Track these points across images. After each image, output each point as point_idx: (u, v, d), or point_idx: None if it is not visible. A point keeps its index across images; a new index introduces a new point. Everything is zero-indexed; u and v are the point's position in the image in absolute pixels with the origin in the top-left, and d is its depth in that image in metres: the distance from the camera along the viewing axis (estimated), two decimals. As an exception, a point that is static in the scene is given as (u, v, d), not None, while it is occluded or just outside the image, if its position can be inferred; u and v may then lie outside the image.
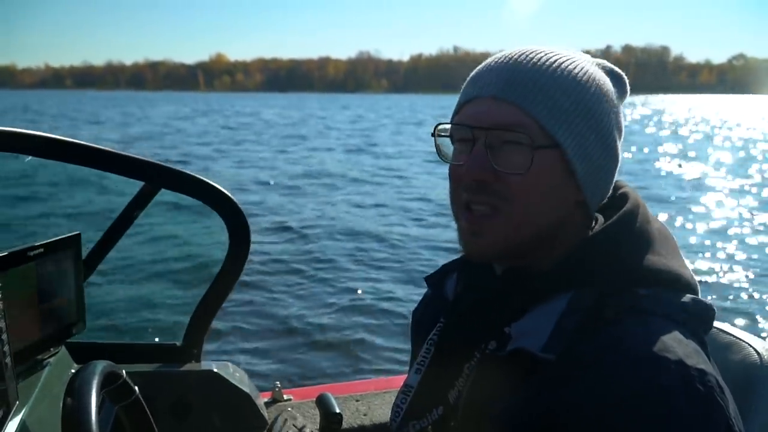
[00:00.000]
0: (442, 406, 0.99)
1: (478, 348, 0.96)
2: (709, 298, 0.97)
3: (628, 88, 1.02)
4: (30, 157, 1.71)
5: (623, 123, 0.99)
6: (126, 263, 7.17)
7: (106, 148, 1.81)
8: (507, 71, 0.93)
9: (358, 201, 14.34)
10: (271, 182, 16.68)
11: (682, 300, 0.91)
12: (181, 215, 8.80)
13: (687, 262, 0.99)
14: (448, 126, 0.99)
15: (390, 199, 14.71)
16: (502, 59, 0.96)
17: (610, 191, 1.00)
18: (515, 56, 0.95)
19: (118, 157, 1.82)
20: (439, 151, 1.01)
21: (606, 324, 0.86)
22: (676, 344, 0.83)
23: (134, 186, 1.88)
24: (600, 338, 0.85)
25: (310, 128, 43.04)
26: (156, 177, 1.87)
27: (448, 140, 1.01)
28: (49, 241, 1.49)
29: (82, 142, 1.77)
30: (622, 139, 0.99)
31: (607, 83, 0.97)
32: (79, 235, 1.61)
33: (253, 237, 1.93)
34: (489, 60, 0.98)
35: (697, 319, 0.92)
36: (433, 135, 1.00)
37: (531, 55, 0.94)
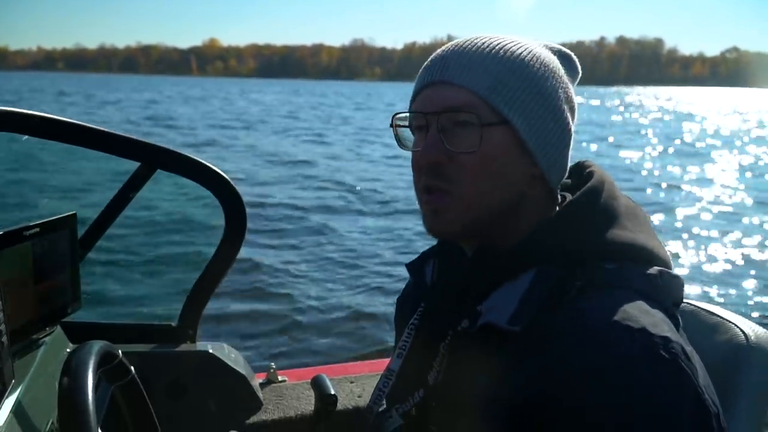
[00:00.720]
0: (422, 388, 1.01)
1: (451, 327, 0.97)
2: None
3: (579, 68, 1.05)
4: (26, 137, 1.70)
5: (575, 100, 1.01)
6: (122, 243, 7.16)
7: (102, 128, 1.81)
8: (454, 55, 0.96)
9: (358, 182, 14.33)
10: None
11: (648, 272, 0.92)
12: (178, 195, 8.79)
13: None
14: (405, 115, 1.02)
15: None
16: (450, 46, 0.99)
17: (570, 166, 1.02)
18: (461, 42, 0.99)
19: (114, 137, 1.81)
20: (398, 140, 1.03)
21: (571, 298, 0.88)
22: (640, 314, 0.84)
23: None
24: (564, 311, 0.87)
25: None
26: (152, 157, 1.86)
27: (408, 131, 1.03)
28: (45, 220, 1.49)
29: (78, 122, 1.76)
30: (575, 117, 1.01)
31: (554, 62, 0.99)
32: (75, 215, 1.61)
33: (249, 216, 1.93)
34: (438, 50, 1.01)
35: (665, 291, 0.93)
36: (391, 126, 1.03)
37: (476, 40, 0.97)
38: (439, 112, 0.94)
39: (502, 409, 0.85)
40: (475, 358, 0.92)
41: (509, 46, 0.96)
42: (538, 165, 0.96)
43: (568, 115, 0.99)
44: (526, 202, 0.97)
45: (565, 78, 1.00)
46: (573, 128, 1.00)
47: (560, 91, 0.98)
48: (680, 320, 0.94)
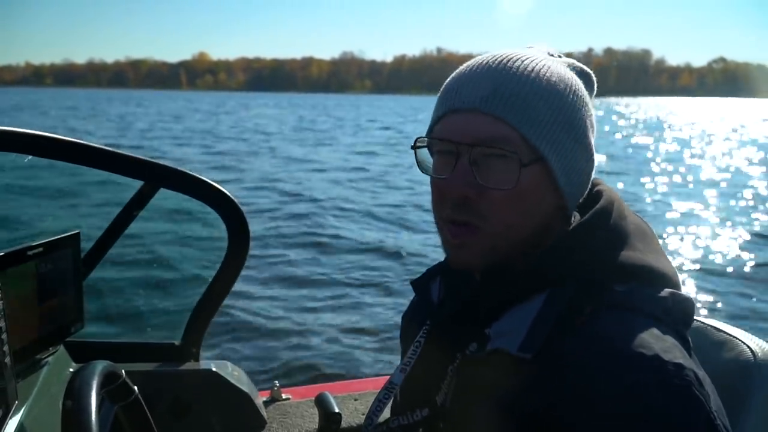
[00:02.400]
0: (427, 408, 1.00)
1: (459, 350, 0.96)
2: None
3: (595, 85, 1.03)
4: (30, 157, 1.70)
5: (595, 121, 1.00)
6: (125, 262, 7.16)
7: (106, 147, 1.81)
8: (489, 81, 0.91)
9: (359, 199, 14.34)
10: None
11: (659, 294, 0.91)
12: (181, 214, 8.80)
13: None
14: (426, 139, 0.98)
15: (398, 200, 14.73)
16: (481, 67, 0.94)
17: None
18: (495, 64, 0.94)
19: (117, 156, 1.82)
20: (420, 164, 1.00)
21: (582, 322, 0.87)
22: (653, 340, 0.83)
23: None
24: (576, 337, 0.86)
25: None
26: (155, 176, 1.87)
27: (426, 151, 1.00)
28: (48, 240, 1.49)
29: (81, 141, 1.77)
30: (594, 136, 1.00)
31: (581, 87, 0.97)
32: (78, 234, 1.61)
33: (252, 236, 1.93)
34: (466, 67, 0.97)
35: (676, 313, 0.92)
36: (413, 148, 1.00)
37: (509, 64, 0.93)
38: (473, 144, 0.90)
39: None
40: (484, 381, 0.91)
41: (543, 71, 0.93)
42: (563, 197, 0.95)
43: (592, 141, 0.97)
44: (546, 231, 0.95)
45: (590, 103, 0.98)
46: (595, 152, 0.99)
47: (588, 120, 0.96)
48: (690, 341, 0.93)
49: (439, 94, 0.99)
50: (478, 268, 0.98)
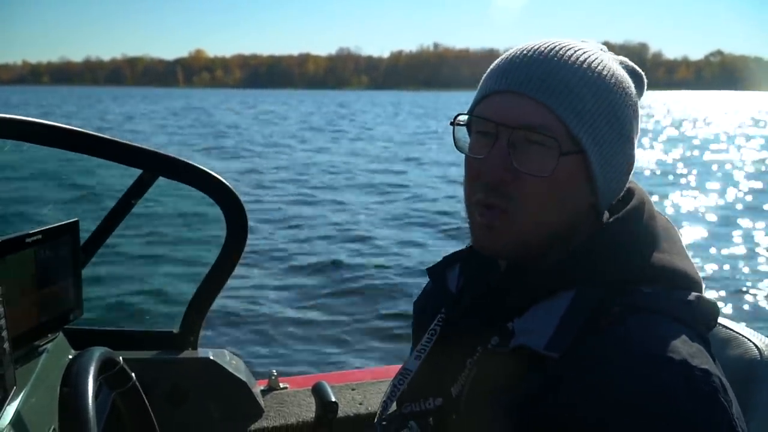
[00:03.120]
0: (441, 397, 0.99)
1: (481, 343, 0.95)
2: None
3: (645, 87, 1.01)
4: (29, 144, 1.70)
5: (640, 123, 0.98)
6: (124, 250, 7.17)
7: (104, 136, 1.81)
8: (538, 68, 0.90)
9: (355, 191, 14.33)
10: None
11: (687, 298, 0.91)
12: (180, 202, 8.79)
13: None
14: (467, 117, 0.96)
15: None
16: (531, 53, 0.92)
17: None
18: (546, 51, 0.91)
19: (116, 144, 1.82)
20: (456, 142, 0.98)
21: (609, 323, 0.86)
22: (681, 344, 0.83)
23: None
24: (603, 337, 0.85)
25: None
26: (154, 165, 1.87)
27: (464, 130, 0.99)
28: (47, 227, 1.49)
29: (80, 130, 1.77)
30: (638, 136, 0.98)
31: (630, 85, 0.95)
32: (77, 221, 1.61)
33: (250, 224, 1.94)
34: (514, 52, 0.95)
35: (701, 318, 0.92)
36: (452, 124, 0.97)
37: (561, 52, 0.91)
38: (515, 127, 0.88)
39: None
40: (503, 377, 0.89)
41: (594, 63, 0.91)
42: (598, 195, 0.93)
43: (635, 142, 0.96)
44: (576, 228, 0.94)
45: (637, 102, 0.96)
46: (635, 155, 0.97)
47: (634, 120, 0.94)
48: (710, 343, 0.92)
49: (485, 75, 0.97)
50: (502, 254, 0.97)
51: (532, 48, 0.93)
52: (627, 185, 0.99)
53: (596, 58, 0.92)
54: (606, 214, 0.97)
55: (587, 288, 0.89)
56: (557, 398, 0.83)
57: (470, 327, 0.98)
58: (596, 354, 0.84)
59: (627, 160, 0.95)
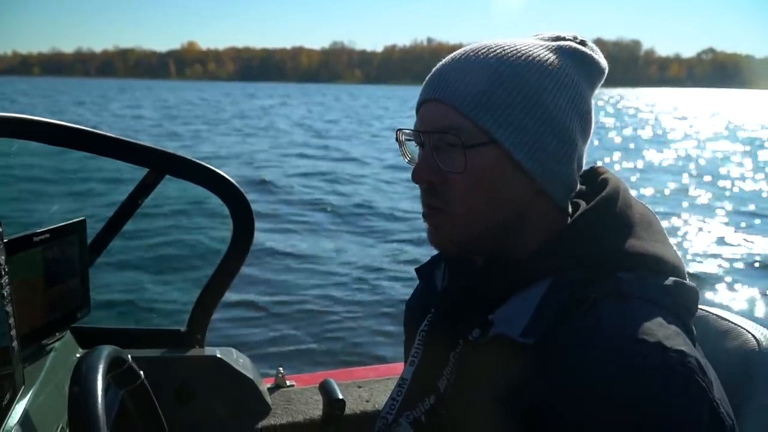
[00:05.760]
0: (433, 395, 1.01)
1: (462, 336, 0.97)
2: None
3: (603, 64, 1.01)
4: (36, 143, 1.71)
5: (588, 105, 0.98)
6: (131, 248, 7.19)
7: (111, 134, 1.81)
8: (447, 73, 0.95)
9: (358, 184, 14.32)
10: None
11: (664, 283, 0.91)
12: (186, 200, 8.81)
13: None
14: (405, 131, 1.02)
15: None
16: (446, 60, 0.98)
17: (583, 171, 1.01)
18: (458, 54, 0.97)
19: (123, 143, 1.82)
20: (404, 154, 1.04)
21: (585, 309, 0.87)
22: (656, 327, 0.83)
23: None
24: (579, 322, 0.86)
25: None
26: (160, 163, 1.87)
27: (412, 143, 1.03)
28: (54, 226, 1.50)
29: (86, 128, 1.77)
30: (591, 123, 0.98)
31: (559, 67, 0.95)
32: (84, 220, 1.62)
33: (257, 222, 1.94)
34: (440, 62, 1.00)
35: (680, 302, 0.92)
36: (397, 140, 1.03)
37: (472, 51, 0.95)
38: (430, 132, 0.95)
39: (514, 420, 0.85)
40: (485, 367, 0.91)
41: (506, 54, 0.93)
42: (537, 181, 0.94)
43: (575, 124, 0.95)
44: (530, 217, 0.95)
45: (576, 82, 0.96)
46: (585, 136, 0.98)
47: (563, 100, 0.94)
48: (694, 330, 0.93)
49: None
50: (454, 250, 1.00)
51: (451, 55, 0.99)
52: (604, 176, 1.01)
53: (513, 48, 0.94)
54: (583, 204, 0.98)
55: (562, 276, 0.90)
56: (535, 386, 0.84)
57: (453, 322, 1.00)
58: (572, 341, 0.85)
59: (563, 142, 0.94)
